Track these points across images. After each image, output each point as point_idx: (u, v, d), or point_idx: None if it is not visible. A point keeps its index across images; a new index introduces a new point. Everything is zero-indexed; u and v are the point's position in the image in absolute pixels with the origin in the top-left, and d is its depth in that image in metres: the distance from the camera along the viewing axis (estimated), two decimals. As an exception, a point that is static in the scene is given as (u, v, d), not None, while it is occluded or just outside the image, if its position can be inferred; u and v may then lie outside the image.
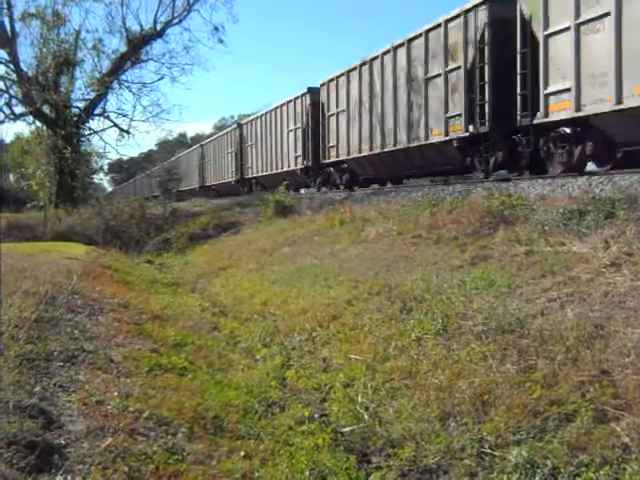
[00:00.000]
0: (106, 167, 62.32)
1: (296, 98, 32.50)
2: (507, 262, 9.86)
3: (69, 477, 5.00)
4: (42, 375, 7.15)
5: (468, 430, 6.16)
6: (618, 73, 12.87)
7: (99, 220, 33.43)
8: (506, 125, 16.82)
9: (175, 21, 42.28)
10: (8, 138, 72.45)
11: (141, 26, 42.40)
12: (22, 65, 41.00)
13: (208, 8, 43.21)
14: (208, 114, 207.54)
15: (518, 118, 16.06)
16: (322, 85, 28.87)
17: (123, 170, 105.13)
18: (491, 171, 18.09)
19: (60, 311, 10.37)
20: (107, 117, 43.81)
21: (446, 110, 19.10)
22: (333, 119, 27.73)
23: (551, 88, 14.80)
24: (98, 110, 43.27)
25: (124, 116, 43.60)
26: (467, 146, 18.73)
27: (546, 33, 14.75)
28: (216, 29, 42.76)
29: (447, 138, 19.17)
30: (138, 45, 42.31)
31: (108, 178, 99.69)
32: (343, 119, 26.69)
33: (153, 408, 6.89)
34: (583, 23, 13.65)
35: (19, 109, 42.63)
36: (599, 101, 13.50)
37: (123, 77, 43.16)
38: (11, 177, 67.03)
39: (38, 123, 43.72)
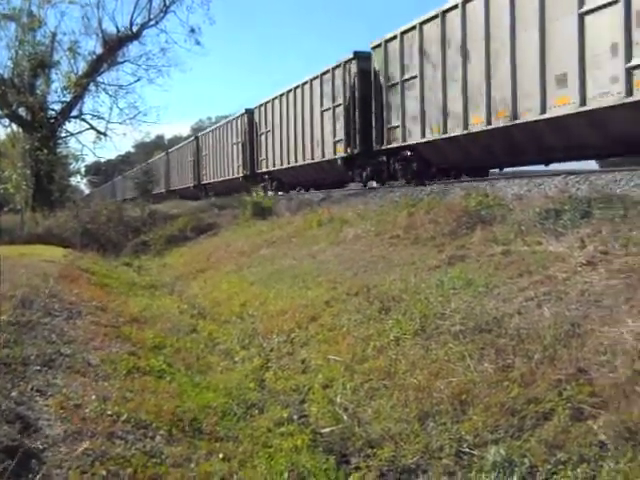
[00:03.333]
0: (83, 169, 61.85)
1: (235, 119, 36.17)
2: (484, 262, 9.89)
3: (47, 481, 4.97)
4: (19, 379, 7.09)
5: (447, 430, 6.17)
6: (422, 118, 19.40)
7: (76, 223, 33.25)
8: (369, 149, 22.82)
9: (151, 23, 42.25)
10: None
11: (117, 28, 42.37)
12: (-3, 67, 40.78)
13: (184, 10, 43.40)
14: (186, 116, 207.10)
15: (374, 144, 22.21)
16: (255, 108, 33.91)
17: (100, 172, 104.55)
18: (364, 181, 24.77)
19: (37, 315, 10.29)
20: (84, 119, 43.74)
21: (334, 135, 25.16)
22: (263, 137, 32.29)
23: (391, 124, 21.01)
24: (74, 112, 43.18)
25: (101, 118, 43.59)
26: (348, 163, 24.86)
27: (388, 84, 20.78)
28: (192, 31, 42.77)
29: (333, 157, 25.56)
30: (114, 47, 42.19)
31: (85, 181, 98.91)
32: (270, 137, 31.79)
33: (131, 411, 6.86)
34: (405, 80, 19.85)
35: (-6, 112, 42.41)
36: (415, 134, 19.94)
37: (99, 79, 43.09)
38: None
39: (14, 126, 43.56)
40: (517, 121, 15.46)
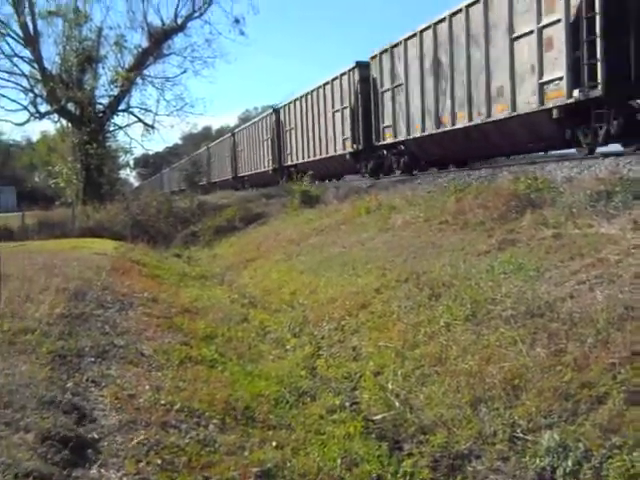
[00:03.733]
0: (132, 162, 62.32)
1: (264, 117, 38.10)
2: (535, 246, 9.80)
3: (103, 470, 5.04)
4: (74, 371, 7.21)
5: (499, 415, 6.14)
6: (407, 118, 23.18)
7: (127, 215, 33.61)
8: (371, 144, 26.57)
9: (196, 14, 42.44)
10: (35, 137, 72.86)
11: (162, 20, 42.65)
12: (46, 63, 41.25)
13: (229, 0, 43.26)
14: (232, 106, 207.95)
15: (373, 141, 25.89)
16: (281, 107, 35.12)
17: (149, 165, 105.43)
18: (369, 173, 27.86)
19: (90, 307, 10.44)
20: (131, 112, 44.10)
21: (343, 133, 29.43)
22: (288, 134, 33.30)
23: (385, 123, 24.32)
24: (122, 106, 43.55)
25: (148, 111, 43.86)
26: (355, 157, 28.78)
27: (382, 90, 24.26)
28: (237, 21, 42.87)
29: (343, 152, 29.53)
30: (160, 40, 42.45)
31: (134, 173, 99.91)
32: (293, 133, 34.41)
33: (184, 400, 6.92)
34: (396, 86, 22.98)
35: (44, 107, 42.95)
36: (403, 132, 23.73)
37: (146, 72, 43.41)
38: (37, 176, 67.59)
39: (63, 121, 44.07)
40: (472, 123, 19.45)
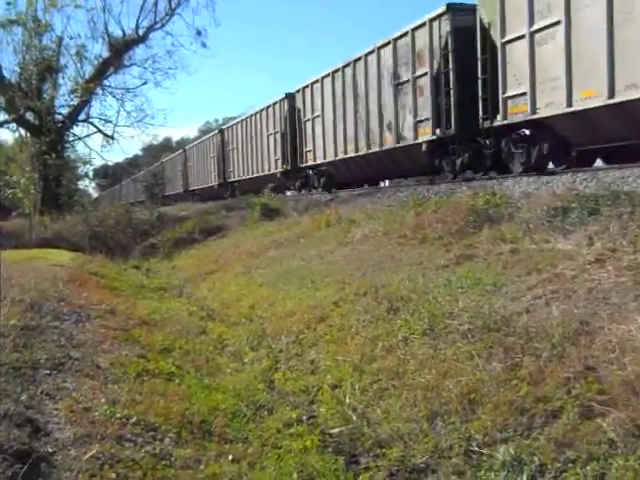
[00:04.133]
0: (91, 173, 61.89)
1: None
2: (492, 260, 9.88)
3: (56, 485, 4.98)
4: (29, 383, 7.11)
5: (456, 429, 6.17)
6: (324, 144, 26.29)
7: (85, 226, 33.31)
8: (297, 166, 29.70)
9: (157, 25, 42.32)
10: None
11: (123, 31, 42.41)
12: (5, 72, 40.86)
13: (190, 12, 43.70)
14: (193, 118, 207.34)
15: (298, 163, 28.09)
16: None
17: (108, 176, 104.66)
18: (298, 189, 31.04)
19: (46, 319, 10.31)
20: (91, 123, 43.76)
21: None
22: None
23: (307, 148, 24.85)
24: (82, 116, 43.19)
25: (108, 122, 43.54)
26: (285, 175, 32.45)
27: (304, 119, 24.68)
28: (199, 33, 42.87)
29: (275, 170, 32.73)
30: (121, 50, 42.24)
31: (94, 184, 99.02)
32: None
33: (140, 414, 6.87)
34: (315, 117, 23.96)
35: (2, 116, 42.46)
36: (320, 156, 26.66)
37: (106, 82, 43.10)
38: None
39: (22, 130, 43.55)
40: (370, 151, 23.76)
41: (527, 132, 15.95)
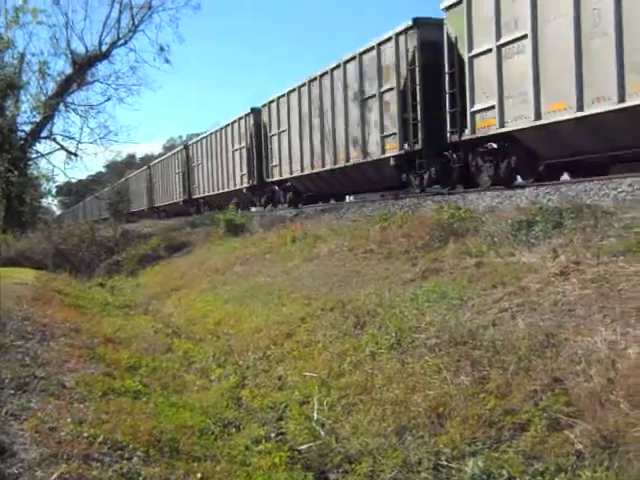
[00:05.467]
0: (54, 190, 61.40)
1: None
2: (458, 274, 9.93)
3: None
4: (-7, 403, 7.03)
5: (424, 443, 6.18)
6: (290, 159, 25.70)
7: (48, 244, 32.99)
8: (263, 180, 29.54)
9: (120, 42, 42.18)
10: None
11: (86, 48, 42.20)
12: (-34, 88, 40.46)
13: (153, 28, 43.69)
14: (157, 134, 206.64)
15: (264, 177, 26.16)
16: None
17: (72, 193, 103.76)
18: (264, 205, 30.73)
19: (10, 338, 10.20)
20: (54, 140, 43.32)
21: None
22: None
23: (272, 163, 23.49)
24: (45, 133, 42.80)
25: (71, 138, 43.15)
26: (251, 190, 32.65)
27: (270, 134, 20.99)
28: (162, 49, 42.63)
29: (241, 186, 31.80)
30: (84, 67, 42.03)
31: (57, 201, 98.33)
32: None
33: (107, 433, 6.80)
34: (281, 131, 22.39)
35: (-37, 133, 42.02)
36: (286, 171, 26.63)
37: (69, 99, 42.76)
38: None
39: (-17, 148, 43.14)
40: (337, 166, 23.88)
41: (495, 146, 16.05)
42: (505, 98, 15.03)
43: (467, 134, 16.53)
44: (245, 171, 33.38)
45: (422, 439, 6.26)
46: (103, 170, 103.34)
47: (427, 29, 18.33)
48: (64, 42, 42.02)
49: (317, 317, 10.82)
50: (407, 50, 18.82)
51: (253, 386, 9.53)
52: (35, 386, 8.06)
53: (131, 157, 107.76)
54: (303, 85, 26.04)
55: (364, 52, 21.34)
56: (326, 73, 24.02)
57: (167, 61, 43.19)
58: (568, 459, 5.12)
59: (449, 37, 16.91)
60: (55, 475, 5.47)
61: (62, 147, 43.32)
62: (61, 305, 16.23)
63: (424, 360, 7.51)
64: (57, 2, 41.49)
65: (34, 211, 42.89)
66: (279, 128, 28.53)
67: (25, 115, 42.36)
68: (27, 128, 42.23)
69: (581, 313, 7.08)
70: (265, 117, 30.41)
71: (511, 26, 14.64)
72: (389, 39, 19.74)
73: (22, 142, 41.11)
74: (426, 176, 18.79)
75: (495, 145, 16.05)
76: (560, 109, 13.50)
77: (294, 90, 26.95)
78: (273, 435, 7.63)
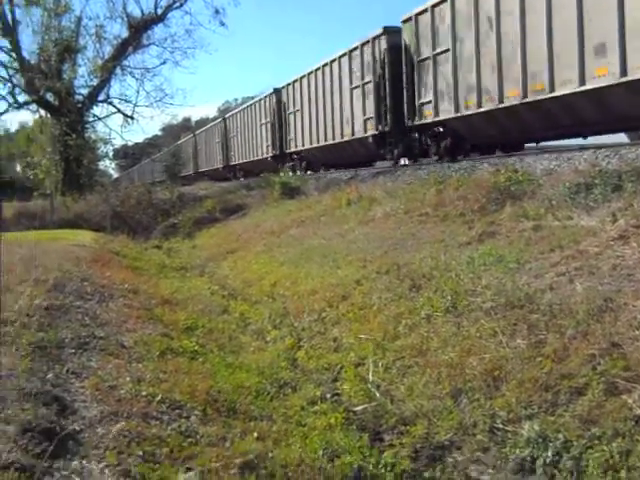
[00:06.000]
0: (111, 153, 61.93)
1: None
2: (515, 238, 9.85)
3: (84, 462, 5.03)
4: (54, 362, 7.17)
5: (480, 406, 6.18)
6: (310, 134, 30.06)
7: (106, 206, 33.44)
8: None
9: (176, 5, 42.21)
10: (13, 127, 72.14)
11: (142, 11, 42.35)
12: (24, 53, 40.93)
13: (209, -10, 43.06)
14: (212, 97, 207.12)
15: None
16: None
17: (128, 156, 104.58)
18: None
19: (70, 298, 10.40)
20: (111, 103, 43.73)
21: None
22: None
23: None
24: (102, 97, 43.19)
25: (128, 102, 43.61)
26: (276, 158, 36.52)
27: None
28: (217, 12, 42.52)
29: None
30: (139, 30, 42.22)
31: (114, 164, 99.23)
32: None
33: (165, 392, 6.91)
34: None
35: (22, 97, 42.50)
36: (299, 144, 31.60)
37: (126, 63, 43.01)
38: (18, 166, 66.94)
39: (42, 111, 43.70)
40: (335, 141, 28.52)
41: (436, 130, 20.80)
42: (439, 95, 19.87)
43: (417, 120, 21.45)
44: (270, 142, 37.67)
45: (477, 402, 6.26)
46: (159, 133, 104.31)
47: (394, 35, 22.80)
48: (120, 5, 42.42)
49: (372, 280, 10.83)
50: (380, 51, 23.67)
51: (309, 347, 9.58)
52: (95, 345, 8.22)
53: (187, 120, 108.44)
54: (312, 72, 30.57)
55: (352, 50, 26.11)
56: (328, 64, 28.67)
57: (222, 24, 43.10)
58: (626, 424, 5.07)
59: (405, 44, 21.73)
60: (115, 432, 5.59)
61: (119, 110, 43.81)
62: (119, 267, 16.47)
63: (480, 323, 7.48)
64: (113, -35, 41.69)
65: (91, 174, 43.33)
66: (294, 107, 33.40)
67: (82, 79, 43.01)
68: (84, 92, 42.85)
69: (641, 277, 6.99)
70: (285, 97, 35.09)
71: (441, 41, 19.40)
72: (368, 42, 24.60)
73: (79, 106, 41.62)
74: (396, 151, 23.98)
75: (436, 129, 20.76)
76: (470, 105, 18.25)
77: (305, 76, 31.45)
78: (329, 396, 7.67)
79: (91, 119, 43.75)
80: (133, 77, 43.41)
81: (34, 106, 43.13)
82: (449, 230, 11.79)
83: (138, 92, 44.29)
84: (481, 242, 10.39)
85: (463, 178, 14.66)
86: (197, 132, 61.55)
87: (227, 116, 50.56)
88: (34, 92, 40.19)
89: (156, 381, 7.26)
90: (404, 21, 21.96)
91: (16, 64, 40.92)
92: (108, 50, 42.53)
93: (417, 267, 10.27)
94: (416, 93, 21.81)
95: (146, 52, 44.27)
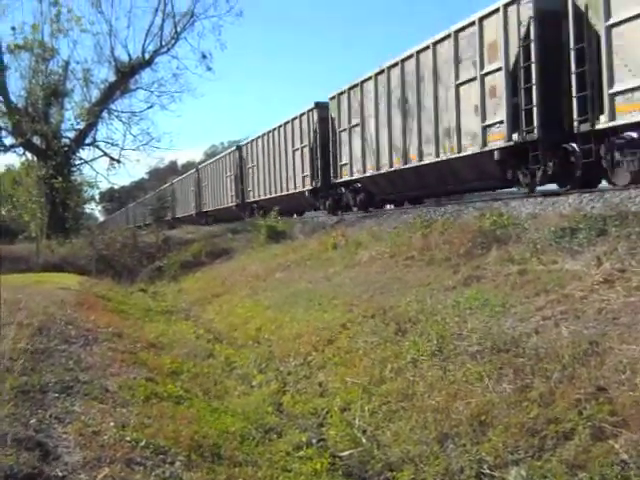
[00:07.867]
0: (97, 196, 62.02)
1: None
2: (500, 281, 9.86)
3: (67, 509, 4.96)
4: (38, 407, 7.09)
5: (466, 451, 6.15)
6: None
7: (91, 250, 33.35)
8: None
9: (163, 50, 42.45)
10: (-1, 170, 72.01)
11: (129, 55, 42.60)
12: (12, 97, 41.03)
13: (196, 36, 43.51)
14: (199, 141, 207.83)
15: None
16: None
17: (115, 199, 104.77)
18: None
19: (54, 342, 10.31)
20: (97, 146, 43.79)
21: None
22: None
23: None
24: (88, 140, 43.27)
25: (114, 145, 43.62)
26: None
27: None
28: (204, 56, 42.87)
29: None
30: (127, 74, 42.44)
31: (100, 207, 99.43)
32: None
33: (150, 437, 6.84)
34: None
35: (9, 140, 42.45)
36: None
37: (113, 106, 43.29)
38: (2, 209, 66.70)
39: (28, 154, 43.68)
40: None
41: (357, 186, 25.29)
42: (353, 158, 24.06)
43: (339, 179, 21.86)
44: (233, 192, 39.25)
45: (464, 447, 6.23)
46: (145, 176, 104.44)
47: (323, 109, 27.58)
48: (108, 50, 42.56)
49: (358, 323, 10.81)
50: (313, 122, 24.55)
51: (294, 392, 9.54)
52: (79, 390, 8.13)
53: (173, 164, 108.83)
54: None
55: (294, 119, 26.11)
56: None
57: (209, 68, 43.45)
58: (612, 469, 5.06)
59: (331, 116, 23.09)
60: (99, 478, 5.52)
61: (105, 154, 43.82)
62: (104, 310, 16.37)
63: (466, 367, 7.47)
64: (101, 11, 42.06)
65: (77, 217, 43.32)
66: (252, 162, 35.07)
67: (69, 122, 43.11)
68: (71, 135, 42.91)
69: (626, 321, 7.00)
70: (245, 153, 36.94)
71: (353, 116, 23.89)
72: (304, 113, 27.26)
73: (66, 149, 41.67)
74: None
75: (355, 185, 24.20)
76: (370, 168, 23.26)
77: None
78: (314, 441, 7.63)
79: (77, 162, 43.83)
80: (120, 121, 43.59)
81: (20, 149, 43.17)
82: (435, 274, 11.80)
83: (125, 136, 44.39)
84: (467, 286, 10.40)
85: (449, 222, 14.71)
86: (200, 166, 60.91)
87: (200, 167, 54.43)
88: (21, 135, 40.19)
89: (140, 426, 7.19)
90: (331, 98, 26.68)
91: (3, 107, 41.01)
92: (95, 94, 42.79)
93: (403, 311, 10.27)
94: (338, 156, 25.79)
95: (133, 96, 44.51)
